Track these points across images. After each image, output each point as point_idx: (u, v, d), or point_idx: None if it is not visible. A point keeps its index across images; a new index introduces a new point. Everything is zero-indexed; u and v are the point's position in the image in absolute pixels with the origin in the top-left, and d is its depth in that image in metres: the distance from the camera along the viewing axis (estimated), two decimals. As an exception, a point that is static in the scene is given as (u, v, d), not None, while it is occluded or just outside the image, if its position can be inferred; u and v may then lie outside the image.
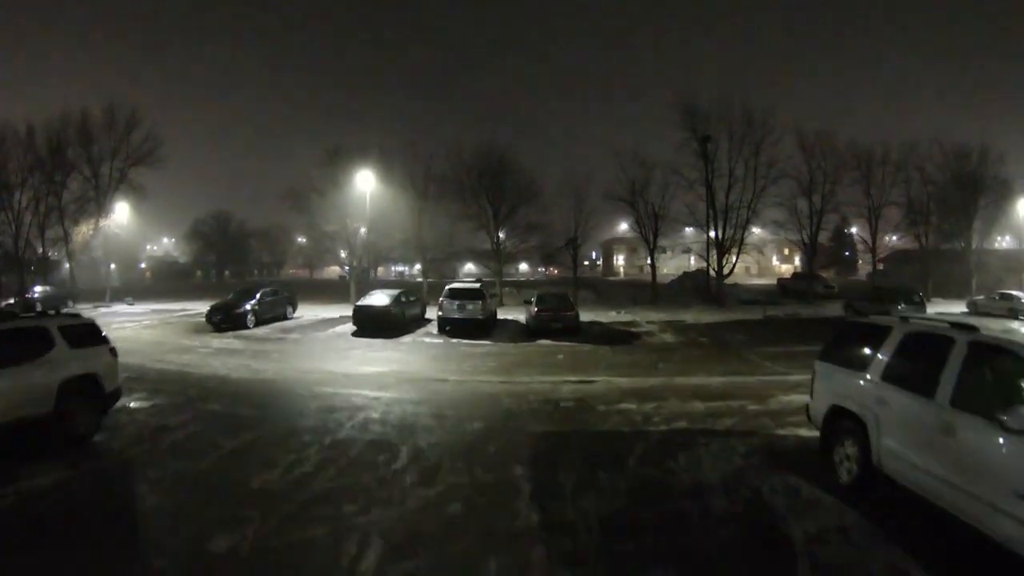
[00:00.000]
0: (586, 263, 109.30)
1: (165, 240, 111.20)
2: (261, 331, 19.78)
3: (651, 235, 29.46)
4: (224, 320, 20.15)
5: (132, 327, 21.41)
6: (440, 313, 18.40)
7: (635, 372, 12.62)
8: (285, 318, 22.79)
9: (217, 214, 75.72)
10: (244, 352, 15.54)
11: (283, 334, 19.08)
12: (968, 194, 34.37)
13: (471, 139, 32.55)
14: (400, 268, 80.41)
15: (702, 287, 33.24)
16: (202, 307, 32.34)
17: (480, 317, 17.98)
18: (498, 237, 29.19)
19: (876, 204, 33.24)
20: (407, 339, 17.52)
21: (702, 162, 29.00)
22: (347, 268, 30.88)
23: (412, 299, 21.09)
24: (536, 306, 17.81)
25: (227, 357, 14.67)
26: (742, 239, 29.80)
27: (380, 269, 73.99)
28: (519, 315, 24.17)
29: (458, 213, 29.54)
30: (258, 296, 21.53)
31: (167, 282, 73.99)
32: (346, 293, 28.37)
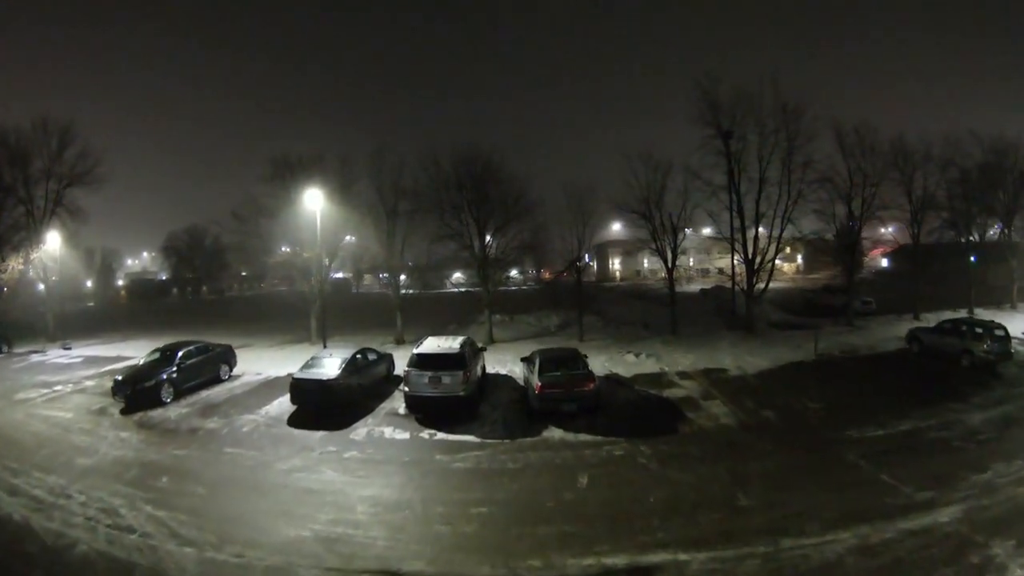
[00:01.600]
0: (579, 264, 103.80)
1: (145, 254, 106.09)
2: (175, 411, 14.98)
3: (669, 251, 24.58)
4: (133, 396, 15.40)
5: (33, 401, 16.72)
6: (407, 388, 13.49)
7: (710, 528, 7.87)
8: (218, 380, 17.91)
9: (191, 229, 70.98)
10: (129, 469, 10.87)
11: (201, 419, 14.22)
12: (1009, 190, 30.11)
13: (451, 144, 27.35)
14: (386, 277, 75.50)
15: (726, 307, 28.65)
16: (146, 350, 28.01)
17: (461, 394, 13.09)
18: (484, 259, 24.18)
19: (917, 208, 28.58)
20: (361, 431, 12.60)
21: (726, 162, 24.34)
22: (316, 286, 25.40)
23: (372, 359, 16.14)
24: (540, 378, 12.88)
25: (98, 482, 10.16)
26: (776, 252, 25.13)
27: (368, 278, 68.97)
28: (514, 363, 19.43)
29: (435, 232, 24.57)
30: (178, 359, 16.67)
31: (141, 302, 70.39)
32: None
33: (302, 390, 13.73)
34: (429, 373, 13.06)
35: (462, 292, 43.04)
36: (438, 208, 24.08)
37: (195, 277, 72.40)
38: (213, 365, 17.86)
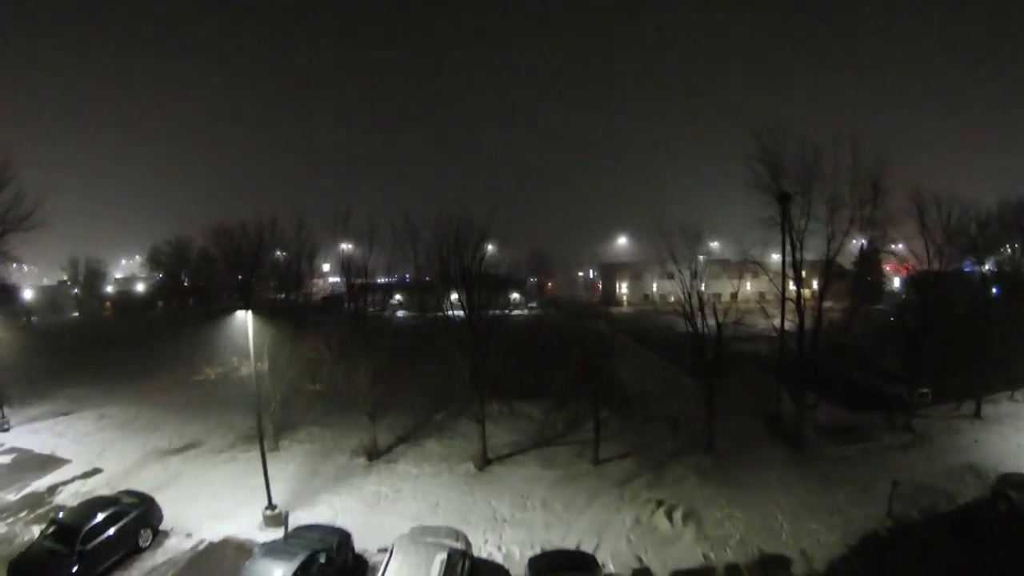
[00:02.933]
0: (580, 275, 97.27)
1: (137, 257, 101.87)
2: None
3: (711, 353, 20.01)
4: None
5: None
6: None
7: None
8: (137, 550, 14.10)
9: (176, 239, 66.79)
10: None
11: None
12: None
13: (438, 212, 21.33)
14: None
15: (768, 403, 24.30)
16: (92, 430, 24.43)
17: None
18: (477, 369, 19.55)
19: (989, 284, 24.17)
20: None
21: (782, 236, 19.95)
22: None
23: (325, 557, 12.14)
24: None
25: None
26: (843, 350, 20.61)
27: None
28: (512, 520, 15.64)
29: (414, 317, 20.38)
30: (81, 538, 12.95)
31: (125, 317, 67.48)
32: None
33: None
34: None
35: (459, 318, 38.33)
36: (417, 291, 19.95)
37: (182, 289, 68.52)
38: (130, 534, 13.99)
